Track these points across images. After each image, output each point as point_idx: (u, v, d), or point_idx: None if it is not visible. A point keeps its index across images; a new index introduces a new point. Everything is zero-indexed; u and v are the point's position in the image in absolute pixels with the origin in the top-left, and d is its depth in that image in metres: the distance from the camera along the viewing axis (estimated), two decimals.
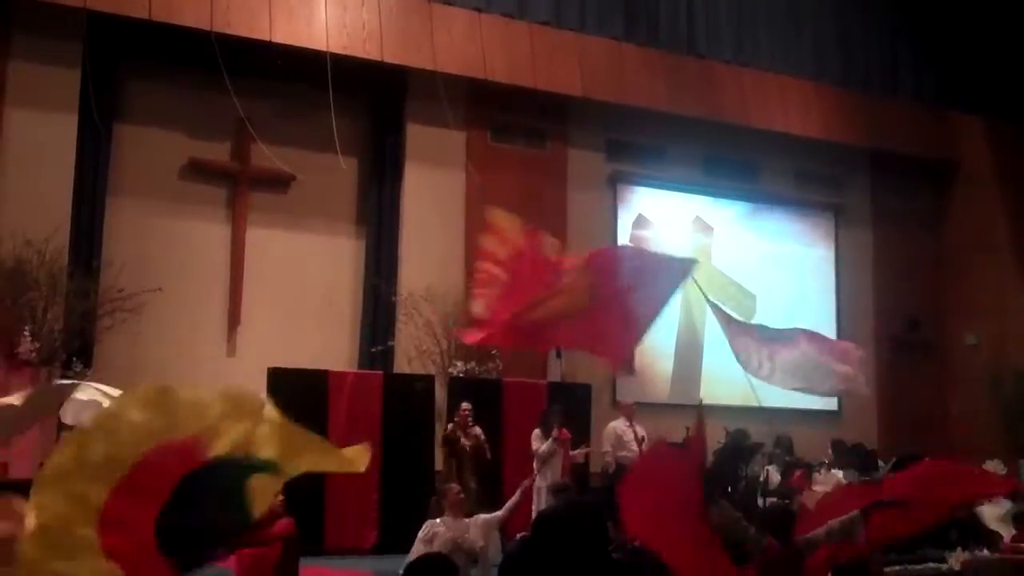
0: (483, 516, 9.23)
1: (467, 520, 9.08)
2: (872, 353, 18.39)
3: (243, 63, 13.98)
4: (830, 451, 13.85)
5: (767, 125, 17.33)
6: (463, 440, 11.55)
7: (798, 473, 12.11)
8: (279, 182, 14.83)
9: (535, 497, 11.71)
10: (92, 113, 13.43)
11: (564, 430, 11.87)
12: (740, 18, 17.54)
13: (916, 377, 17.71)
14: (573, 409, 12.80)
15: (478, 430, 11.73)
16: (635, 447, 12.69)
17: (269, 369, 12.15)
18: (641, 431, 12.74)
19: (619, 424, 12.98)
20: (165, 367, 13.41)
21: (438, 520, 8.96)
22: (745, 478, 12.59)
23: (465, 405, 11.92)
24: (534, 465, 11.84)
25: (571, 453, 12.00)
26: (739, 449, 13.03)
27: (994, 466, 14.90)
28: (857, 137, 18.18)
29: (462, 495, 9.30)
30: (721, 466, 12.07)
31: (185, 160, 14.41)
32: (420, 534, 8.87)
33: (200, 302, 14.20)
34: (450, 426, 11.69)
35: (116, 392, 9.63)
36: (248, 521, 3.68)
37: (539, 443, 11.80)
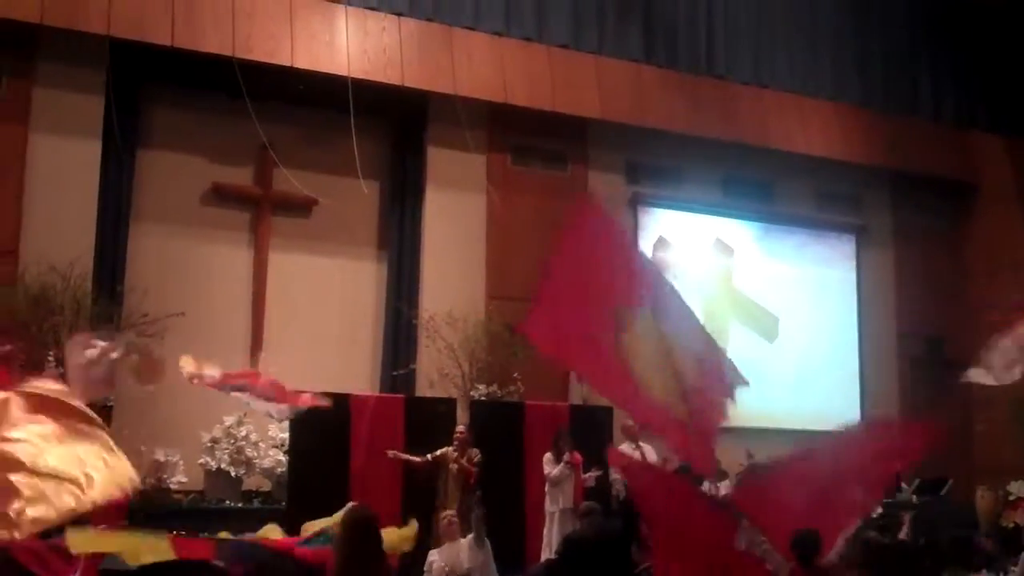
0: (469, 537, 9.36)
1: (462, 542, 9.17)
2: (895, 374, 18.34)
3: (265, 88, 14.08)
4: None
5: (787, 146, 17.31)
6: (451, 463, 11.41)
7: None
8: (301, 206, 14.91)
9: (547, 522, 11.66)
10: (115, 139, 13.53)
11: (576, 454, 11.82)
12: (759, 39, 17.55)
13: (940, 397, 17.59)
14: (593, 432, 12.76)
15: (475, 452, 11.58)
16: None
17: None
18: (651, 453, 12.69)
19: (625, 448, 12.89)
20: (188, 391, 13.44)
21: (436, 549, 9.09)
22: None
23: (460, 428, 11.87)
24: (546, 489, 11.81)
25: (583, 477, 11.94)
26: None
27: (1019, 487, 14.80)
28: (877, 157, 18.14)
29: (452, 522, 9.37)
30: None
31: (208, 185, 14.50)
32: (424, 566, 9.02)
33: (222, 326, 14.23)
34: (451, 449, 11.58)
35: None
36: None
37: (551, 467, 11.76)
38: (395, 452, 11.55)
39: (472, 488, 11.32)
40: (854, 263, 18.62)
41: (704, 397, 7.02)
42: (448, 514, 10.07)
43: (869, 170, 18.34)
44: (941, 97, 19.04)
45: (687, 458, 8.14)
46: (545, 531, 11.56)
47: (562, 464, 11.66)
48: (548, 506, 11.64)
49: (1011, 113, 19.11)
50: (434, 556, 9.10)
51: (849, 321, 18.34)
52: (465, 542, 9.46)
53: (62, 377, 11.89)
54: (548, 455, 11.85)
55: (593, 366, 7.26)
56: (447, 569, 9.18)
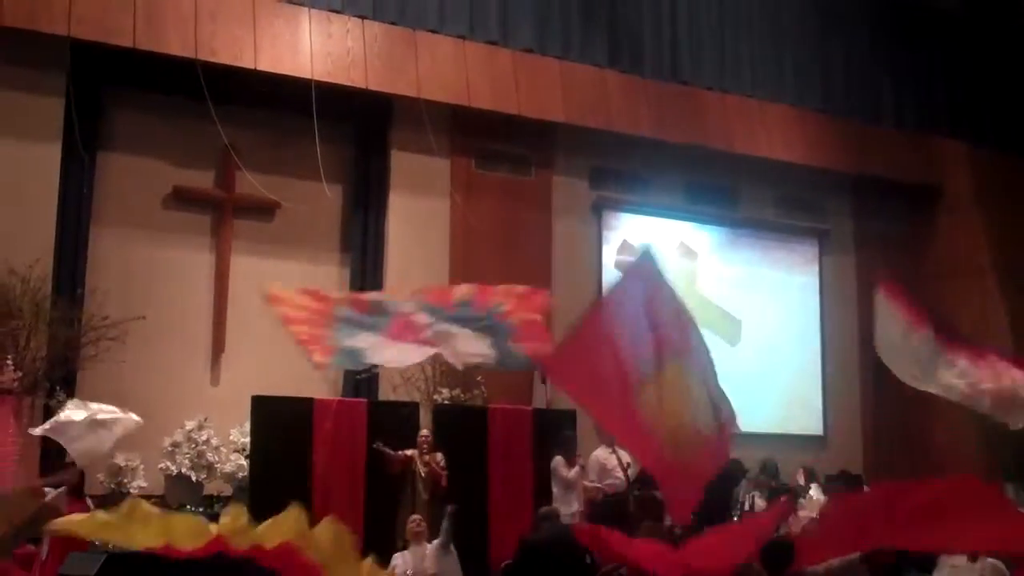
0: (435, 542, 9.37)
1: (428, 547, 9.19)
2: (858, 378, 18.45)
3: (228, 91, 13.99)
4: (800, 478, 13.79)
5: (750, 151, 17.37)
6: (418, 466, 11.49)
7: (783, 499, 12.07)
8: (263, 210, 14.83)
9: None
10: (76, 142, 13.41)
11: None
12: (723, 45, 17.62)
13: (901, 402, 17.70)
14: (558, 435, 12.79)
15: (439, 456, 11.67)
16: (620, 474, 12.68)
17: (253, 397, 12.10)
18: (626, 457, 12.74)
19: (601, 452, 12.94)
20: (149, 395, 13.36)
21: (401, 553, 9.08)
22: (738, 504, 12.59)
23: (424, 432, 11.89)
24: (554, 491, 11.93)
25: None
26: (730, 475, 13.03)
27: None
28: (839, 162, 18.24)
29: (419, 525, 9.38)
30: (711, 492, 12.04)
31: (169, 188, 14.39)
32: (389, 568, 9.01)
33: (184, 330, 14.15)
34: (410, 451, 11.64)
35: (108, 409, 9.71)
36: None
37: (566, 470, 11.94)
38: (379, 444, 11.54)
39: (443, 492, 11.35)
40: (816, 267, 18.74)
41: (709, 445, 6.82)
42: (416, 518, 10.06)
43: (831, 175, 18.43)
44: (903, 102, 19.16)
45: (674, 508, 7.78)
46: None
47: (577, 467, 11.83)
48: (563, 510, 11.75)
49: (973, 118, 19.29)
50: (398, 559, 9.07)
51: (811, 325, 18.45)
52: (432, 547, 9.46)
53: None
54: (559, 458, 12.04)
55: (610, 410, 7.02)
56: (411, 573, 9.16)
